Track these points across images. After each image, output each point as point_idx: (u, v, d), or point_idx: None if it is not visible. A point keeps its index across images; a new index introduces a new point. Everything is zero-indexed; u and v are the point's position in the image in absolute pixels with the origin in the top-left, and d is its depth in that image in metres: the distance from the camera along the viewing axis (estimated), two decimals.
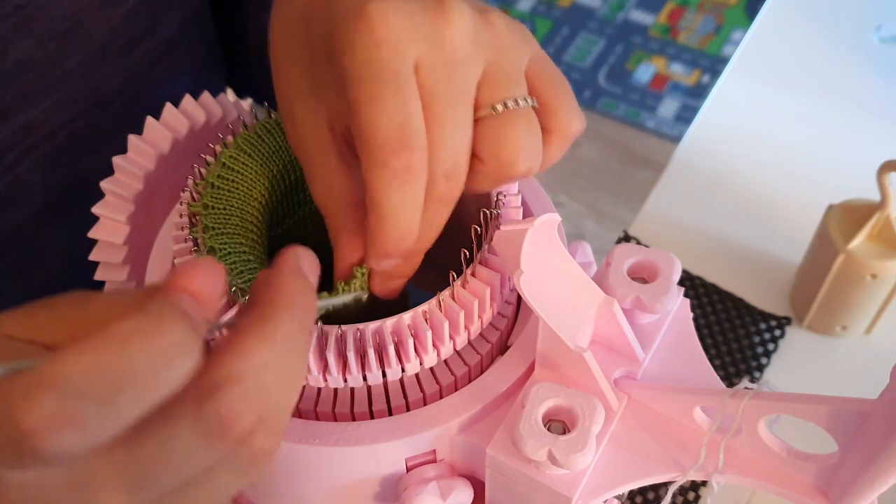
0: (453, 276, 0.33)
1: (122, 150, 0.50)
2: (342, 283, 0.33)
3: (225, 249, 0.34)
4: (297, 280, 0.25)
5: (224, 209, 0.35)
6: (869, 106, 0.77)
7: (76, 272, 0.50)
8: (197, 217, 0.35)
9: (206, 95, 0.43)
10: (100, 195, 0.50)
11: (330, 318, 0.33)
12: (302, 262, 0.27)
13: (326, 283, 0.33)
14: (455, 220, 0.44)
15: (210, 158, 0.38)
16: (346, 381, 0.34)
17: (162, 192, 0.41)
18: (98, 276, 0.42)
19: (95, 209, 0.40)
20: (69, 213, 0.48)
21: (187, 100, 0.42)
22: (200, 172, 0.37)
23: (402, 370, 0.34)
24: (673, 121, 1.85)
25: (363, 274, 0.34)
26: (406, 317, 0.33)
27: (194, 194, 0.36)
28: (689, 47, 2.02)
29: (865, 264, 0.55)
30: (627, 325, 0.34)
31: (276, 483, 0.37)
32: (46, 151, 0.46)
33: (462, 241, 0.35)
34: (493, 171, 0.32)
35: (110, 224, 0.40)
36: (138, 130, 0.50)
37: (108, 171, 0.49)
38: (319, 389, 0.35)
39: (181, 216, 0.37)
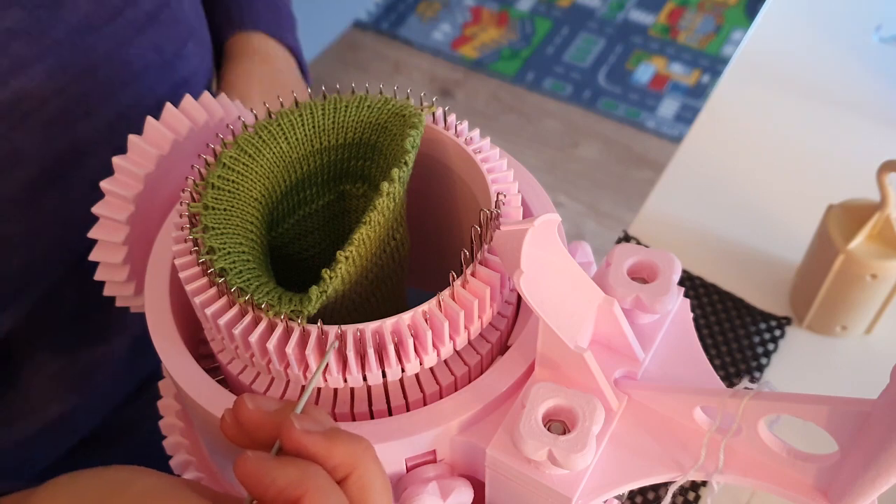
0: (453, 276, 0.33)
1: (112, 117, 0.50)
2: (328, 272, 0.33)
3: (224, 249, 0.34)
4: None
5: (224, 209, 0.35)
6: (869, 106, 0.77)
7: (74, 239, 0.51)
8: (197, 217, 0.35)
9: (205, 95, 0.43)
10: (94, 162, 0.50)
11: (330, 318, 0.33)
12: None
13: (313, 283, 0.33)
14: (455, 221, 0.44)
15: (210, 159, 0.38)
16: (346, 380, 0.34)
17: (162, 193, 0.41)
18: (98, 276, 0.42)
19: (95, 209, 0.40)
20: (65, 180, 0.49)
21: (187, 100, 0.42)
22: (201, 173, 0.37)
23: (402, 370, 0.34)
24: (673, 121, 1.85)
25: (346, 258, 0.34)
26: (406, 317, 0.33)
27: (194, 194, 0.36)
28: (689, 47, 2.02)
29: (865, 264, 0.55)
30: (627, 325, 0.34)
31: None
32: (40, 119, 0.47)
33: (462, 241, 0.35)
34: None
35: (110, 224, 0.40)
36: (126, 97, 0.51)
37: (100, 137, 0.50)
38: (319, 389, 0.35)
39: (181, 216, 0.37)
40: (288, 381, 0.35)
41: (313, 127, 0.39)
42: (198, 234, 0.34)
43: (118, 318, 0.58)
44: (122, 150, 0.51)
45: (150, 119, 0.40)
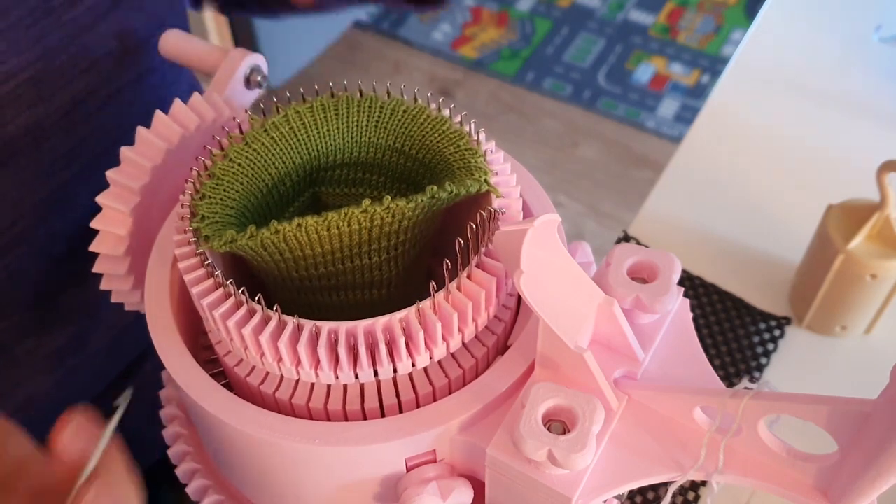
0: (449, 276, 0.33)
1: (68, 104, 0.50)
2: (252, 228, 0.33)
3: (213, 217, 0.34)
4: None
5: (221, 199, 0.35)
6: (869, 106, 0.77)
7: (28, 224, 0.51)
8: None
9: (213, 96, 0.43)
10: (48, 147, 0.49)
11: (326, 315, 0.33)
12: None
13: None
14: (455, 223, 0.44)
15: (216, 150, 0.37)
16: (337, 377, 0.34)
17: (166, 187, 0.41)
18: (97, 268, 0.42)
19: (99, 199, 0.40)
20: (17, 164, 0.49)
21: (195, 98, 0.42)
22: (205, 164, 0.37)
23: (395, 370, 0.34)
24: (673, 121, 1.85)
25: (276, 231, 0.33)
26: (399, 316, 0.33)
27: (197, 185, 0.36)
28: (688, 47, 2.02)
29: (865, 264, 0.55)
30: (627, 325, 0.34)
31: (276, 483, 0.37)
32: None
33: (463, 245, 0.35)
34: None
35: (114, 215, 0.40)
36: (84, 83, 0.50)
37: (55, 124, 0.50)
38: (312, 385, 0.35)
39: (182, 206, 0.37)
40: (281, 377, 0.35)
41: (404, 128, 0.39)
42: (196, 223, 0.34)
43: (86, 301, 0.58)
44: (79, 137, 0.51)
45: (158, 113, 0.41)
